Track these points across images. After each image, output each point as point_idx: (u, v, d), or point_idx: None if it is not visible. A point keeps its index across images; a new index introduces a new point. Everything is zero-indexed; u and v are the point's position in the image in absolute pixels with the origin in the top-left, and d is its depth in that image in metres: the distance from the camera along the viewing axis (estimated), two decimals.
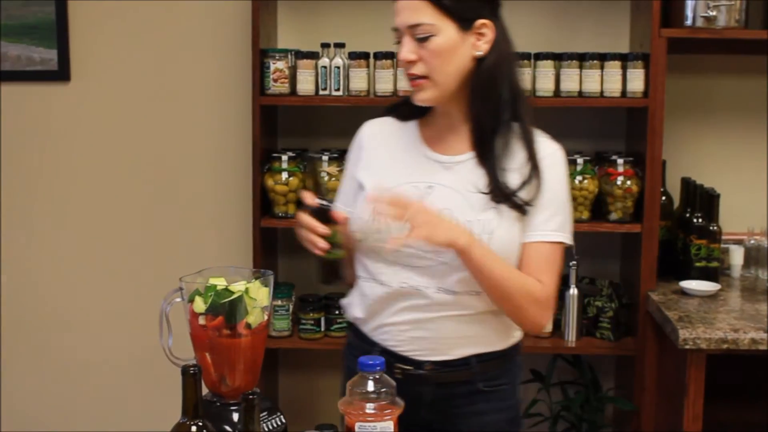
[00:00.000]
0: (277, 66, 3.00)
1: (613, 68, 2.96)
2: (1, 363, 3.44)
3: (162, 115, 3.34)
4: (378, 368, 1.66)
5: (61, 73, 3.30)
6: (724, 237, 3.12)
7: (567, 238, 1.98)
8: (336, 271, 1.98)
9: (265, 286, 1.74)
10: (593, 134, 3.27)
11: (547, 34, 3.23)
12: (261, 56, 2.99)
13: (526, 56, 2.97)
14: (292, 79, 3.03)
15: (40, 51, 3.30)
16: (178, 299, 1.75)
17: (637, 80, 2.95)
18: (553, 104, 3.00)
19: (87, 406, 3.47)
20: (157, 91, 3.33)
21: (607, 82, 2.97)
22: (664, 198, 3.12)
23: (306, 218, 1.89)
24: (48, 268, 3.43)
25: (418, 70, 1.90)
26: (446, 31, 1.88)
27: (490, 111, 1.93)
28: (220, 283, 1.71)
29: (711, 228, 3.05)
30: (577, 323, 3.07)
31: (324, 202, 1.90)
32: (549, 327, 3.08)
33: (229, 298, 1.68)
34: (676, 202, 3.21)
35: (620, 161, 3.00)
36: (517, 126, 1.95)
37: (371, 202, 1.87)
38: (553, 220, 1.95)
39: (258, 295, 1.71)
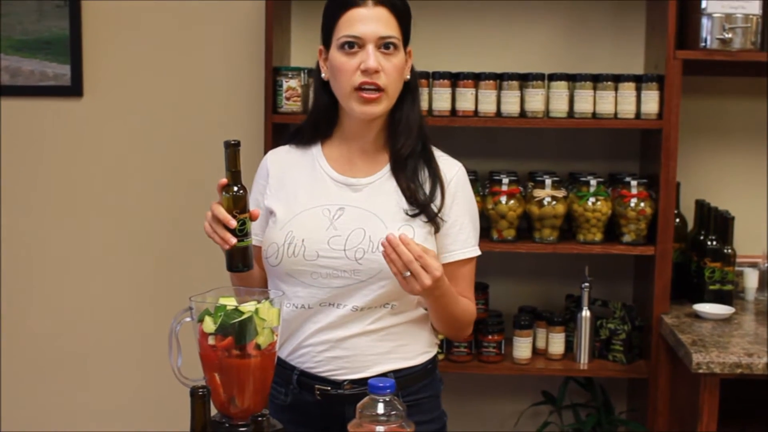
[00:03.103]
0: (290, 84, 3.00)
1: (628, 89, 2.95)
2: (1, 363, 3.43)
3: (174, 131, 3.34)
4: (388, 391, 1.64)
5: (74, 89, 3.31)
6: (738, 260, 3.10)
7: (478, 249, 2.10)
8: (246, 257, 1.93)
9: (275, 306, 1.73)
10: (607, 155, 3.26)
11: (561, 54, 3.23)
12: (274, 74, 2.99)
13: (540, 77, 2.96)
14: (305, 98, 3.02)
15: (54, 66, 3.30)
16: (188, 319, 1.75)
17: (651, 102, 2.94)
18: (566, 125, 2.98)
19: (90, 411, 3.45)
20: (169, 107, 3.33)
21: (621, 103, 2.95)
22: (677, 220, 3.11)
23: (219, 210, 1.88)
24: (58, 283, 3.42)
25: (381, 81, 1.95)
26: (401, 50, 2.00)
27: (410, 130, 2.02)
28: (230, 303, 1.70)
29: (725, 251, 3.02)
30: (589, 345, 3.05)
31: (241, 189, 1.90)
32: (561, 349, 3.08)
33: (239, 319, 1.67)
34: (690, 225, 3.19)
35: (634, 183, 2.98)
36: (421, 145, 2.05)
37: (387, 247, 1.85)
38: (473, 236, 2.07)
39: (268, 316, 1.70)
